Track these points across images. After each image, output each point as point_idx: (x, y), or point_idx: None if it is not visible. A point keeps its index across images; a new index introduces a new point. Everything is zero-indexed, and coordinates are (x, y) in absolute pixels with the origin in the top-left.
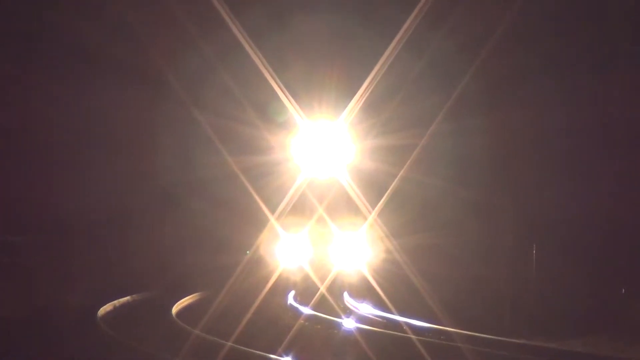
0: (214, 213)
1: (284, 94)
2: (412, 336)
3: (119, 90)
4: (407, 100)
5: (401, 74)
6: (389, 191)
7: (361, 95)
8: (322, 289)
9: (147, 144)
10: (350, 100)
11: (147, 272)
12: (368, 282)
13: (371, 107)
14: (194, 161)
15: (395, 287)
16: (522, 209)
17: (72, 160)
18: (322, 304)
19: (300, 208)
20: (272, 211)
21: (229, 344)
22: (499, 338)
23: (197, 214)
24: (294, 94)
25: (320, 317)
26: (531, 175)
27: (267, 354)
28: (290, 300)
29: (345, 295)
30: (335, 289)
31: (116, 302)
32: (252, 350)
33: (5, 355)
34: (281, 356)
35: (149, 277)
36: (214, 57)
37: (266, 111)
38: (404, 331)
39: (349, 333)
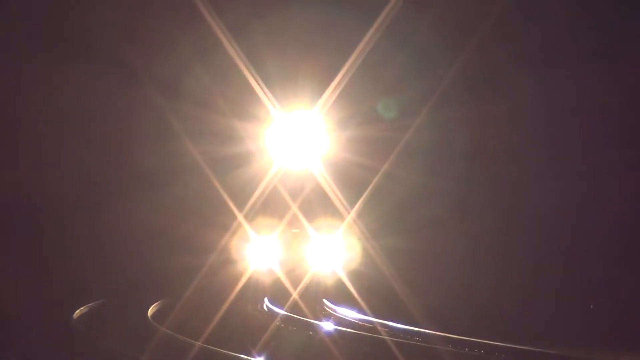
0: (176, 208)
1: (258, 83)
2: (387, 337)
3: (90, 75)
4: (385, 91)
5: (379, 63)
6: (369, 188)
7: (337, 85)
8: (295, 294)
9: (108, 131)
10: (325, 90)
11: (98, 275)
12: (345, 286)
13: (348, 98)
14: (159, 151)
15: (374, 291)
16: (508, 206)
17: (37, 146)
18: (297, 307)
19: (272, 205)
20: (242, 207)
21: (199, 344)
22: (477, 340)
23: (158, 208)
24: (268, 84)
25: (296, 319)
26: (517, 169)
27: (239, 354)
28: (264, 302)
29: (321, 299)
30: (311, 293)
31: None
32: (223, 351)
33: None
34: (254, 356)
35: (101, 281)
36: (188, 47)
37: (238, 101)
38: (380, 333)
39: (326, 335)
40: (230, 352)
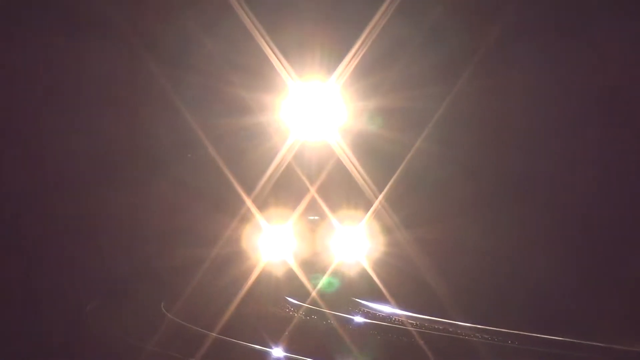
0: (176, 194)
1: (273, 52)
2: (413, 329)
3: (100, 46)
4: (414, 57)
5: (407, 26)
6: (400, 168)
7: (356, 52)
8: (314, 292)
9: (105, 106)
10: (344, 59)
11: (83, 272)
12: (372, 280)
13: (368, 66)
14: (163, 127)
15: (404, 285)
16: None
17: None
18: (320, 301)
19: (287, 188)
20: (251, 191)
21: (214, 334)
22: (507, 330)
23: (161, 192)
24: (284, 53)
25: (320, 311)
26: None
27: (255, 345)
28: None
29: (346, 292)
30: (334, 287)
31: None
32: (239, 342)
33: None
34: (271, 348)
35: (85, 281)
36: (201, 16)
37: (253, 71)
38: (405, 324)
39: (348, 325)
40: (246, 343)
